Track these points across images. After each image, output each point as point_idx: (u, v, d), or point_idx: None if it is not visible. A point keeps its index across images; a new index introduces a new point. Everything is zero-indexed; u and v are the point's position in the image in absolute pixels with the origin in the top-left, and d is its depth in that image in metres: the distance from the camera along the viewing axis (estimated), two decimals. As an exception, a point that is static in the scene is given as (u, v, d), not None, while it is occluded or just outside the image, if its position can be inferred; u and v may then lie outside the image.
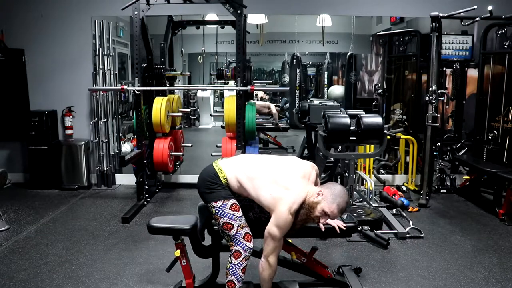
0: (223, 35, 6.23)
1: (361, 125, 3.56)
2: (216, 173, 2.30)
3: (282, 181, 2.23)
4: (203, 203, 2.43)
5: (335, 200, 2.21)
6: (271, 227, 2.18)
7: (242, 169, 2.31)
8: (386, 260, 3.20)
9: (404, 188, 4.87)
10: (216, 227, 2.38)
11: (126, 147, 5.32)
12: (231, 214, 2.23)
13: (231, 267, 2.25)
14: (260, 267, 2.24)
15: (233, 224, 2.23)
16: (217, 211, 2.25)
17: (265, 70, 9.49)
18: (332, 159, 4.47)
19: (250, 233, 2.28)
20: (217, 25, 5.55)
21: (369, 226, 3.60)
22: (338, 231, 2.41)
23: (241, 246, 2.24)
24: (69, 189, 5.00)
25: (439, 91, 4.43)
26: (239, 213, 2.26)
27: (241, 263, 2.24)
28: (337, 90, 7.95)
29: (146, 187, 4.53)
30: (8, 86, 5.06)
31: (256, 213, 2.47)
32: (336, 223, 2.43)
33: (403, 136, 5.09)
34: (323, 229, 2.39)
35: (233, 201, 2.26)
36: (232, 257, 2.25)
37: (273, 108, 6.91)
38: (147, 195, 4.54)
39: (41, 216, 4.13)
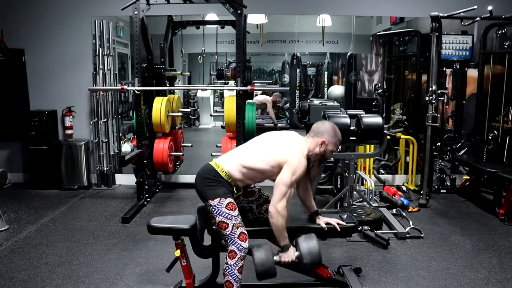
0: (223, 35, 6.22)
1: (361, 125, 3.56)
2: (213, 168, 2.31)
3: (283, 143, 2.33)
4: (202, 205, 2.43)
5: (335, 137, 2.39)
6: (284, 172, 2.23)
7: (238, 153, 2.37)
8: (386, 260, 3.20)
9: (404, 188, 4.87)
10: (215, 227, 2.38)
11: (126, 147, 5.32)
12: (226, 213, 2.22)
13: (227, 268, 2.25)
14: (270, 217, 2.22)
15: (228, 224, 2.23)
16: (213, 210, 2.24)
17: (265, 70, 9.48)
18: (332, 159, 4.47)
19: (246, 233, 2.27)
20: (217, 25, 5.54)
21: (369, 226, 3.60)
22: (339, 229, 2.44)
23: (236, 246, 2.23)
24: (69, 189, 5.00)
25: (439, 91, 4.43)
26: (235, 212, 2.25)
27: (237, 263, 2.23)
28: (337, 90, 7.95)
29: (146, 187, 4.53)
30: (8, 86, 5.07)
31: (254, 215, 2.47)
32: (336, 221, 2.46)
33: (403, 136, 5.09)
34: (326, 229, 2.42)
35: (229, 199, 2.26)
36: (228, 257, 2.25)
37: (271, 109, 6.87)
38: (147, 195, 4.54)
39: (41, 216, 4.13)
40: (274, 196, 2.23)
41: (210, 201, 2.25)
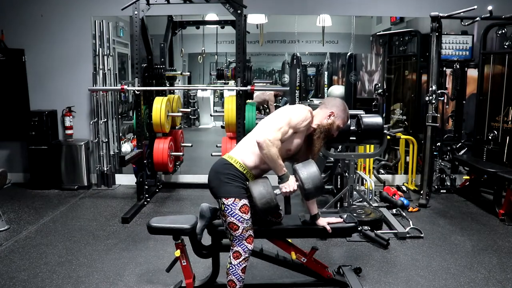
0: (223, 35, 6.22)
1: (361, 125, 3.56)
2: (227, 161, 2.27)
3: (287, 108, 2.36)
4: (205, 205, 2.42)
5: (344, 112, 2.40)
6: (283, 111, 2.26)
7: (248, 139, 2.35)
8: (386, 260, 3.20)
9: (404, 188, 4.87)
10: (220, 228, 2.37)
11: (126, 147, 5.32)
12: (239, 216, 2.20)
13: (231, 267, 2.25)
14: (260, 148, 2.15)
15: (239, 226, 2.21)
16: (226, 209, 2.20)
17: (265, 70, 9.48)
18: (332, 159, 4.47)
19: (253, 235, 2.27)
20: (217, 25, 5.54)
21: (369, 226, 3.60)
22: (340, 221, 2.46)
23: (241, 248, 2.23)
24: (69, 189, 5.00)
25: (439, 91, 4.43)
26: (247, 216, 2.22)
27: (240, 263, 2.24)
28: (337, 90, 7.93)
29: (146, 187, 4.53)
30: (8, 86, 5.07)
31: (257, 215, 2.47)
32: (337, 220, 2.46)
33: (403, 136, 5.09)
34: (330, 231, 2.40)
35: (244, 201, 2.21)
36: (232, 257, 2.25)
37: (271, 106, 6.86)
38: (147, 195, 4.54)
39: (41, 216, 4.13)
40: (266, 128, 2.21)
41: (224, 199, 2.20)
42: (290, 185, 2.21)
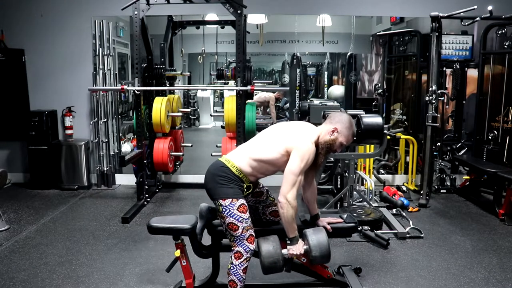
0: (223, 35, 6.22)
1: (361, 125, 3.56)
2: (224, 164, 2.27)
3: (292, 131, 2.31)
4: (205, 206, 2.42)
5: (349, 130, 2.31)
6: (292, 160, 2.18)
7: (248, 147, 2.34)
8: (386, 260, 3.20)
9: (404, 188, 4.87)
10: (220, 228, 2.37)
11: (126, 147, 5.32)
12: (238, 215, 2.20)
13: (232, 268, 2.24)
14: (280, 208, 2.19)
15: (239, 226, 2.20)
16: (224, 210, 2.21)
17: (265, 70, 9.47)
18: (332, 159, 4.47)
19: (254, 234, 2.26)
20: (217, 25, 5.55)
21: (369, 226, 3.60)
22: (341, 221, 2.46)
23: (243, 248, 2.22)
24: (69, 189, 5.01)
25: (439, 91, 4.43)
26: (246, 215, 2.22)
27: (242, 263, 2.23)
28: (337, 90, 7.93)
29: (146, 187, 4.53)
30: (8, 86, 5.07)
31: (258, 215, 2.47)
32: (337, 219, 2.46)
33: (403, 136, 5.09)
34: (330, 230, 2.40)
35: (241, 201, 2.22)
36: (233, 257, 2.24)
37: (272, 107, 6.87)
38: (147, 195, 4.54)
39: (41, 216, 4.13)
40: (284, 186, 2.17)
41: (221, 201, 2.21)
42: (298, 248, 2.25)
